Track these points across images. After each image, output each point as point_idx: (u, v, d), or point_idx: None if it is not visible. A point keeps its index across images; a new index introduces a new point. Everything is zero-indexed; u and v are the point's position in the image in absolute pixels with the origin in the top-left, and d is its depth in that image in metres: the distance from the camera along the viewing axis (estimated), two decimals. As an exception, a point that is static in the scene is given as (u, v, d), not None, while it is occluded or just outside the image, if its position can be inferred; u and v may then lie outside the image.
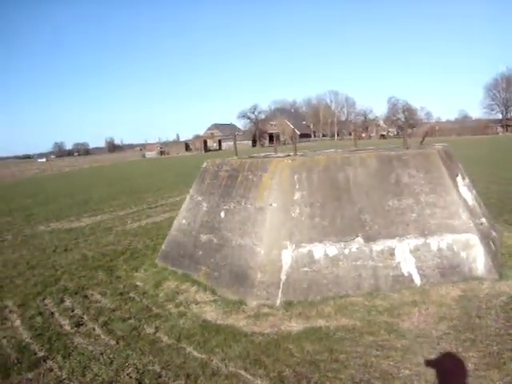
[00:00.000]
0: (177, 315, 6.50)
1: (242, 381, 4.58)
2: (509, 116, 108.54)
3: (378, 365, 4.70)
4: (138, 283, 8.18)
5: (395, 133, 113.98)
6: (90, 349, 5.63)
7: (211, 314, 6.46)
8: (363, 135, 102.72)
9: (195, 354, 5.26)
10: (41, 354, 5.60)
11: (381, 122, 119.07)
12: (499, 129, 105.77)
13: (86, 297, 7.66)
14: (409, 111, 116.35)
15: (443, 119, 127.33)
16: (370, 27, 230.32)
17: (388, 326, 5.61)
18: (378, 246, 6.82)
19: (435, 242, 6.99)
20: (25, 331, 6.36)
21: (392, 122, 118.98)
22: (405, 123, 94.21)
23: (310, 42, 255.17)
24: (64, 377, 4.98)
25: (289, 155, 8.81)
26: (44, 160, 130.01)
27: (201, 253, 7.95)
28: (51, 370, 5.18)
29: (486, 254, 7.11)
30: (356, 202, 7.00)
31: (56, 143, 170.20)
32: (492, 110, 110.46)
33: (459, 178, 9.03)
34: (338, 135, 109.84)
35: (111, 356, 5.38)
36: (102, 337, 6.00)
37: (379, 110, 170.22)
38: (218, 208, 7.97)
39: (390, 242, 6.85)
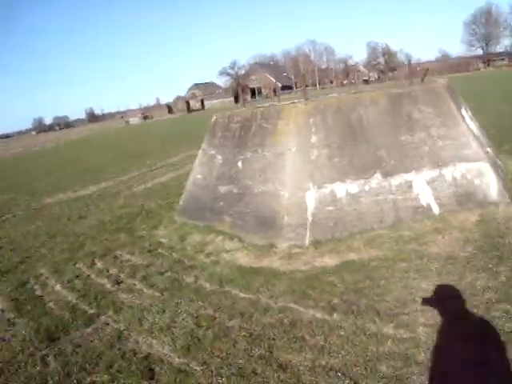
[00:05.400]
0: (211, 264, 6.72)
1: (296, 313, 4.83)
2: (489, 51, 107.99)
3: (419, 286, 5.01)
4: (161, 240, 8.36)
5: (376, 77, 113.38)
6: (138, 302, 5.80)
7: (244, 259, 6.72)
8: (344, 82, 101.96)
9: (242, 295, 5.48)
10: (91, 311, 5.76)
11: (361, 68, 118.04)
12: (480, 65, 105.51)
13: (115, 257, 7.81)
14: (388, 54, 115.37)
15: (423, 59, 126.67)
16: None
17: (417, 252, 5.91)
18: (396, 180, 7.07)
19: (449, 172, 7.25)
20: (68, 294, 6.49)
21: (372, 66, 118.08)
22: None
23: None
24: (123, 328, 5.16)
25: (293, 103, 8.93)
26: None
27: (222, 204, 8.15)
28: (107, 323, 5.35)
29: (498, 180, 7.40)
30: (371, 139, 7.20)
31: (35, 119, 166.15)
32: (472, 45, 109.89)
33: (463, 111, 9.24)
34: (319, 84, 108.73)
35: (161, 306, 5.54)
36: (145, 290, 6.17)
37: (359, 56, 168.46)
38: (234, 159, 8.12)
39: (407, 176, 7.10)
